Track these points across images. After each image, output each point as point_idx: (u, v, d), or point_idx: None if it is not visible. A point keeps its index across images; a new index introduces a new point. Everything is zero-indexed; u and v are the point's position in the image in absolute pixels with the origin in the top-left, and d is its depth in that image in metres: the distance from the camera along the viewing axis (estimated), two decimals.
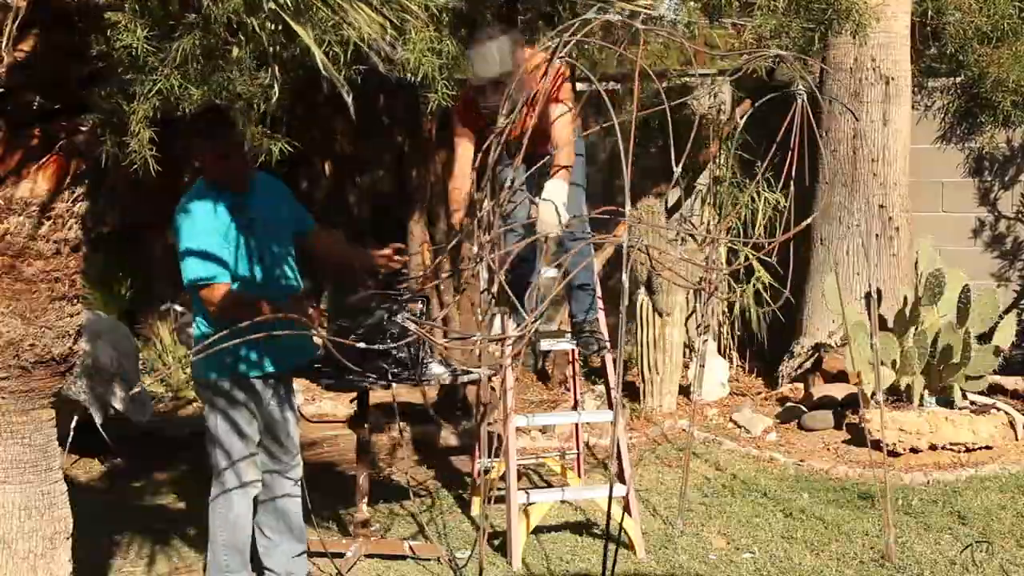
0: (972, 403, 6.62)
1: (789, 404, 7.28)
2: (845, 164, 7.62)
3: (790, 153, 4.59)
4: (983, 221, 8.26)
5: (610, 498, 4.02)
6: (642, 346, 7.43)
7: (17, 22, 2.86)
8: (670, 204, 8.41)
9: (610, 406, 5.24)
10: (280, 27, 2.61)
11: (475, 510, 5.32)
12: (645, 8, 4.49)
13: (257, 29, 2.55)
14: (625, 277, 4.38)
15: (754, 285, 7.91)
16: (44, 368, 3.18)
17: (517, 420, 4.96)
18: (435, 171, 8.75)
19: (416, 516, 5.39)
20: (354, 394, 4.93)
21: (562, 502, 5.31)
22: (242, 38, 2.56)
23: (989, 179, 8.28)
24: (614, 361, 5.38)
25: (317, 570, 4.72)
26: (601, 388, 7.03)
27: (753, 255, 7.02)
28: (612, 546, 4.21)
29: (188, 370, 7.46)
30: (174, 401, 7.81)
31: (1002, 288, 8.08)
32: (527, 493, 4.87)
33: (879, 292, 6.34)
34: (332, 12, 2.61)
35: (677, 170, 4.16)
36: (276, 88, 2.75)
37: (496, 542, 4.91)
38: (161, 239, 9.75)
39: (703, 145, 7.96)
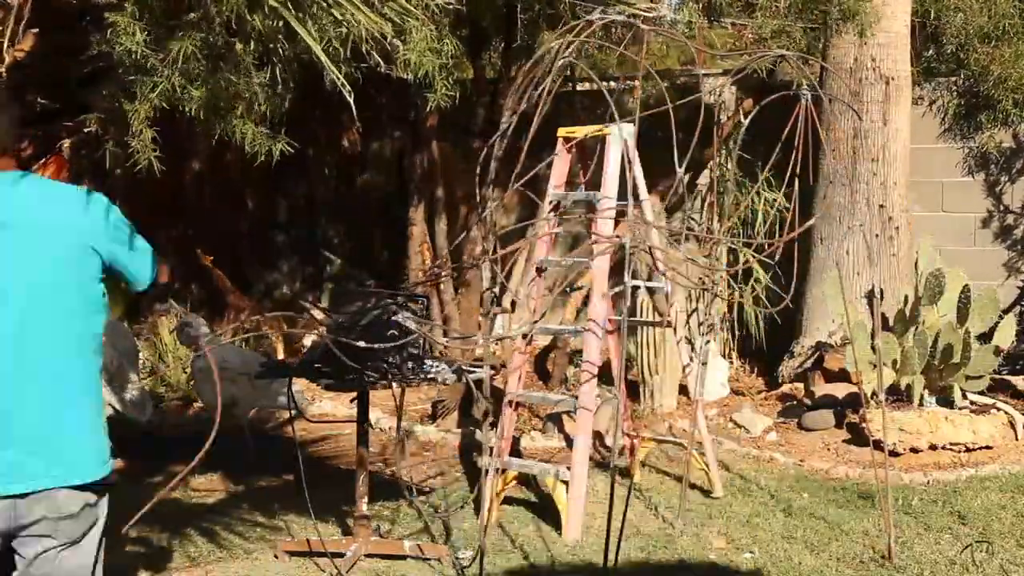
0: (972, 403, 6.62)
1: (789, 404, 7.28)
2: (846, 164, 7.62)
3: (794, 153, 4.59)
4: (991, 213, 8.28)
5: (612, 492, 4.03)
6: (642, 346, 7.43)
7: (21, 24, 2.86)
8: (671, 203, 8.41)
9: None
10: (280, 23, 2.61)
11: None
12: (645, 10, 4.49)
13: (259, 26, 2.55)
14: (628, 276, 4.38)
15: (753, 287, 7.91)
16: None
17: (510, 393, 4.98)
18: (435, 170, 8.76)
19: (418, 515, 5.39)
20: (354, 393, 4.93)
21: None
22: (247, 29, 2.55)
23: (995, 173, 8.28)
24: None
25: (317, 570, 4.72)
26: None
27: (754, 256, 7.02)
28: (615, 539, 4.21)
29: (188, 370, 7.46)
30: (175, 401, 7.80)
31: (1010, 280, 8.10)
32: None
33: (881, 291, 6.34)
34: (329, 8, 2.61)
35: (679, 171, 4.16)
36: (280, 86, 2.75)
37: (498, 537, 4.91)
38: (161, 237, 9.77)
39: (706, 143, 7.97)
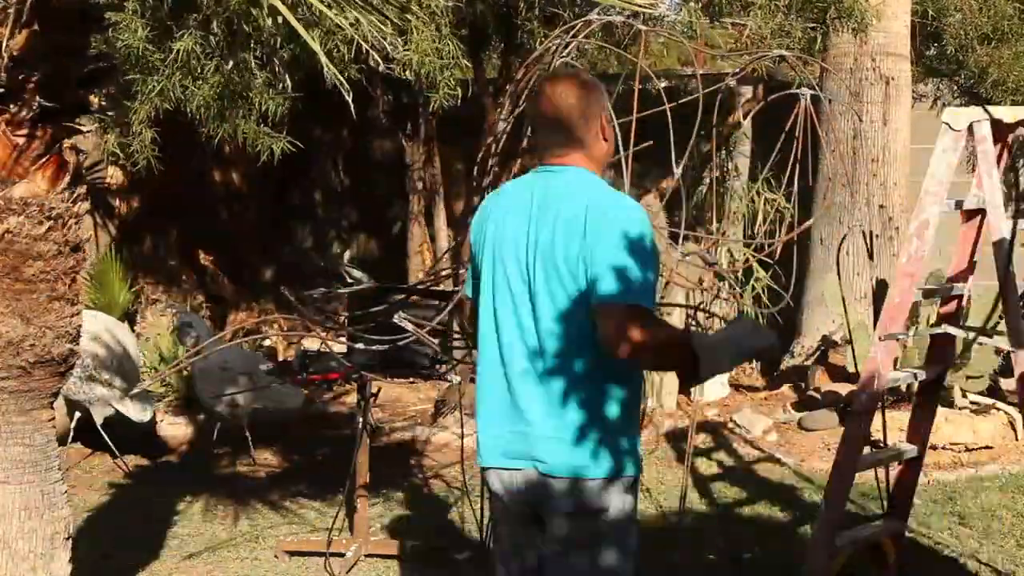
0: (972, 403, 6.61)
1: (789, 404, 7.28)
2: (845, 164, 7.62)
3: (793, 153, 4.59)
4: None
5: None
6: None
7: (19, 23, 2.86)
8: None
9: None
10: (281, 19, 2.61)
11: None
12: (647, 8, 4.49)
13: (262, 24, 2.56)
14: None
15: (754, 288, 7.91)
16: (44, 368, 3.17)
17: None
18: (435, 170, 8.76)
19: (417, 515, 5.40)
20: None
21: None
22: (247, 29, 2.56)
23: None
24: None
25: (318, 570, 4.72)
26: None
27: (754, 256, 7.01)
28: None
29: (187, 371, 7.45)
30: (176, 402, 7.79)
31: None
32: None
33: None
34: (330, 7, 2.61)
35: (677, 171, 4.15)
36: (281, 85, 2.75)
37: None
38: (162, 237, 9.77)
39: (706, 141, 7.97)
